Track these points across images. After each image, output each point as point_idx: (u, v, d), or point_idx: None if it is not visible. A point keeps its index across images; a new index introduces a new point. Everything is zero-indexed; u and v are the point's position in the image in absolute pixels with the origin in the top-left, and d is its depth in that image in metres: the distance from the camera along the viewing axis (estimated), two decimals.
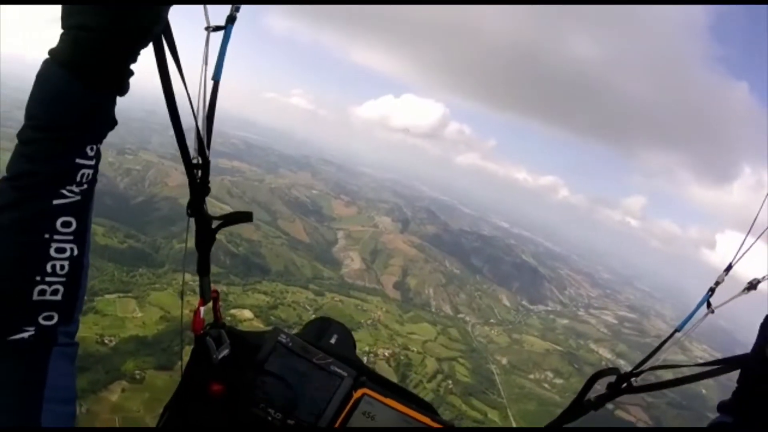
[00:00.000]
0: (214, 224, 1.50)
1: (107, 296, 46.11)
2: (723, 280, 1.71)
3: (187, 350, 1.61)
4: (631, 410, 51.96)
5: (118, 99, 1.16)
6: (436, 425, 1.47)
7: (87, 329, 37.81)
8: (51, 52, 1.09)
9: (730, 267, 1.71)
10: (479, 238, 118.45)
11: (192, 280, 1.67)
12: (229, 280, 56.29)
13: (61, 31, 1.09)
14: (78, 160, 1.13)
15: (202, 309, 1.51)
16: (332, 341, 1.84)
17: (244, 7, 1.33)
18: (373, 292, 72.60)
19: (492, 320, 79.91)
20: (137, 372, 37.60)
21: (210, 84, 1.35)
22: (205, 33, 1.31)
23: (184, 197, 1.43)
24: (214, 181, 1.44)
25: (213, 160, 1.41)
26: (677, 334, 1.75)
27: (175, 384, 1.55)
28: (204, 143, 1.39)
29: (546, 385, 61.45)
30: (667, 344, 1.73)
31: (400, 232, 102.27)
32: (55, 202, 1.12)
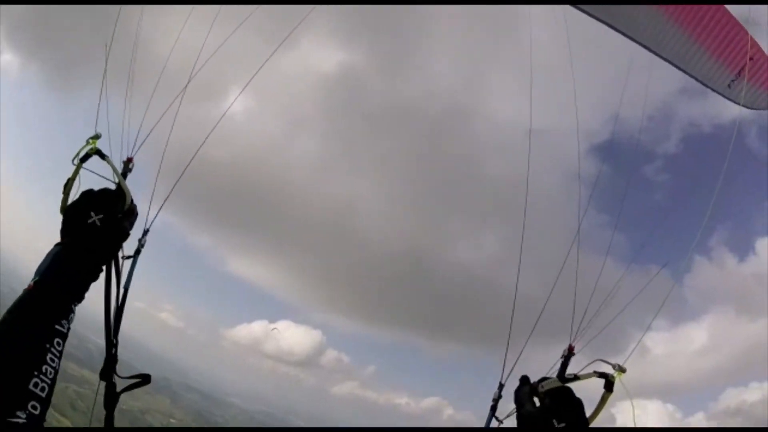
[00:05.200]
0: (119, 387, 1.97)
1: None
2: (501, 396, 2.21)
3: None
4: None
5: None
6: None
7: None
8: (62, 243, 1.71)
9: (501, 386, 2.21)
10: None
11: None
12: None
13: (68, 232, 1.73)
14: (72, 306, 1.66)
15: None
16: None
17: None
18: None
19: None
20: None
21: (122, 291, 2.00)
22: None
23: None
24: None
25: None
26: None
27: None
28: (117, 340, 1.96)
29: None
30: None
31: None
32: (56, 327, 1.58)
